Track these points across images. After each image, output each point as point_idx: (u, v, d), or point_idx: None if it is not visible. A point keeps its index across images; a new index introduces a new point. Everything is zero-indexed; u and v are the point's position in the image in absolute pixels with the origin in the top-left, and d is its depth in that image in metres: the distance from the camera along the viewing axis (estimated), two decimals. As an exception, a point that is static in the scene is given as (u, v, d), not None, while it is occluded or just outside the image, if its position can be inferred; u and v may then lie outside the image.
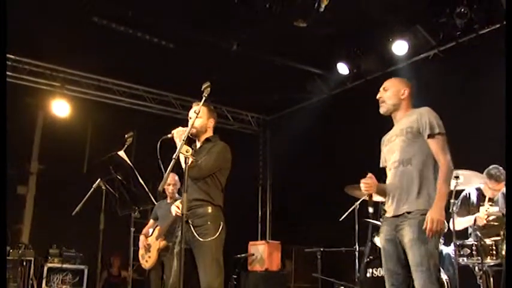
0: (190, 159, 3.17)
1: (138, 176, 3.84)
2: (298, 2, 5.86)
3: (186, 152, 3.12)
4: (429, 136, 3.02)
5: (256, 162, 9.89)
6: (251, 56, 7.09)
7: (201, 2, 6.12)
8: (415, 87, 3.33)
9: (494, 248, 4.44)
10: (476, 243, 4.53)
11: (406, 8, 6.10)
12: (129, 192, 3.97)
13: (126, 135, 4.01)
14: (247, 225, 9.01)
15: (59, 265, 7.17)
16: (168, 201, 5.58)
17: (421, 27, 6.45)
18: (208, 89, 3.26)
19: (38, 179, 8.27)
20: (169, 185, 5.51)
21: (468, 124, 5.66)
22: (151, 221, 5.81)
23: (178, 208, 3.49)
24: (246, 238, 8.01)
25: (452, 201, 4.51)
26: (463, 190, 4.95)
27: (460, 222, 4.80)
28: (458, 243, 4.58)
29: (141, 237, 5.64)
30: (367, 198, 3.24)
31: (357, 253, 5.65)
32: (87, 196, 4.15)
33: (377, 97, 3.31)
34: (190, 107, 3.74)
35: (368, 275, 5.01)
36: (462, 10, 5.84)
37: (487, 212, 4.62)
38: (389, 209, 3.12)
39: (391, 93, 3.26)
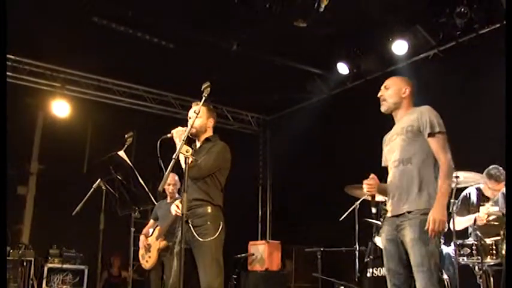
0: (190, 159, 3.17)
1: (138, 176, 3.84)
2: (298, 2, 5.86)
3: (186, 151, 3.12)
4: (429, 135, 3.02)
5: (256, 162, 9.88)
6: (251, 56, 7.09)
7: (201, 2, 6.12)
8: (415, 87, 3.33)
9: (494, 247, 4.45)
10: (476, 242, 4.54)
11: (406, 8, 6.10)
12: (129, 192, 3.97)
13: (126, 135, 4.01)
14: (247, 225, 9.00)
15: (59, 265, 7.17)
16: (168, 201, 5.58)
17: (421, 27, 6.45)
18: (208, 89, 3.26)
19: (38, 179, 8.26)
20: (169, 185, 5.51)
21: (468, 124, 5.65)
22: (151, 221, 5.80)
23: (178, 207, 3.50)
24: (246, 238, 8.01)
25: (452, 201, 4.52)
26: (463, 190, 4.96)
27: (460, 222, 4.80)
28: (458, 243, 4.58)
29: (141, 237, 5.64)
30: (369, 199, 3.24)
31: (357, 253, 5.65)
32: (87, 196, 4.15)
33: (378, 95, 3.30)
34: (190, 107, 3.74)
35: (368, 275, 5.00)
36: (462, 10, 5.84)
37: (487, 212, 4.62)
38: (390, 209, 3.11)
39: (392, 91, 3.25)
